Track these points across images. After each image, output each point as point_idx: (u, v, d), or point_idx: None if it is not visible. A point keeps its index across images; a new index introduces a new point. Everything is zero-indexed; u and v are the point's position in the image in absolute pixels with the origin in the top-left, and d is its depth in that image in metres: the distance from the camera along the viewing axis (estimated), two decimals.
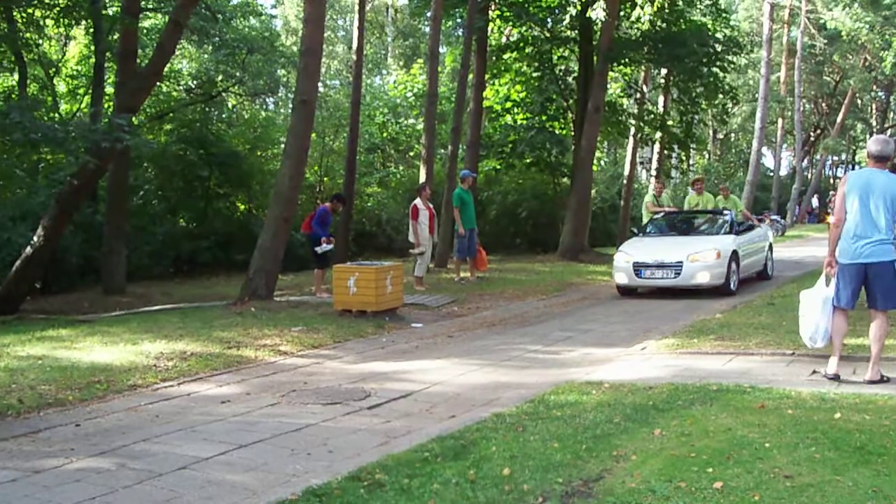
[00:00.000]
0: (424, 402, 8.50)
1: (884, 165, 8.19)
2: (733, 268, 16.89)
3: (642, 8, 19.19)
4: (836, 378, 8.09)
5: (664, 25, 26.83)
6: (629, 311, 15.23)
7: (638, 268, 16.78)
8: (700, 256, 16.51)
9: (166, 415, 8.19)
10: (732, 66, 31.47)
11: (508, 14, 28.19)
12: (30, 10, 20.44)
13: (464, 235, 19.38)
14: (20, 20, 20.60)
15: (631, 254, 17.15)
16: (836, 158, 67.40)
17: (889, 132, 61.24)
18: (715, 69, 28.03)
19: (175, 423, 7.86)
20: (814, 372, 8.44)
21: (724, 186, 21.27)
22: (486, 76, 28.47)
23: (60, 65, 24.82)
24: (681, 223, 19.51)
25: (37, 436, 7.56)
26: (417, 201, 18.74)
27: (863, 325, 8.23)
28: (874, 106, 64.31)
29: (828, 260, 8.39)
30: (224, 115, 28.51)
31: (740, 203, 20.19)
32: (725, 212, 18.99)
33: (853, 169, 50.42)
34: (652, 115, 31.68)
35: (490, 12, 27.36)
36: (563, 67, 30.85)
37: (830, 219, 8.96)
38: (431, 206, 19.21)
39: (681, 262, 16.48)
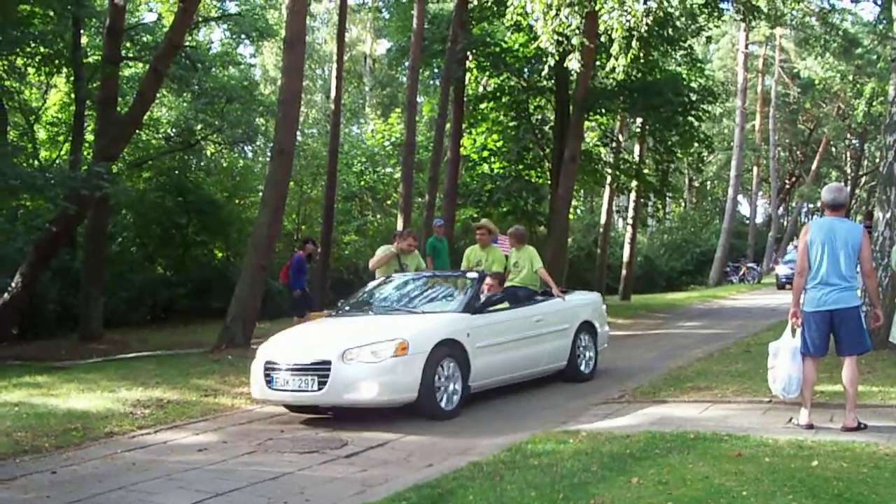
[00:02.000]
0: (401, 451, 8.49)
1: (840, 213, 8.31)
2: (448, 371, 10.14)
3: (616, 59, 19.31)
4: (809, 427, 8.13)
5: (639, 75, 27.09)
6: (606, 358, 15.20)
7: (270, 371, 10.08)
8: (362, 353, 9.67)
9: (143, 463, 8.16)
10: (707, 114, 31.79)
11: (486, 64, 28.38)
12: (11, 58, 20.52)
13: None
14: (2, 68, 20.64)
15: (268, 349, 10.54)
16: (811, 206, 67.88)
17: (863, 179, 61.89)
18: (690, 118, 28.25)
19: (151, 471, 7.83)
20: (790, 420, 8.48)
21: (507, 235, 14.01)
22: (464, 125, 28.60)
23: (41, 112, 24.82)
24: (406, 292, 12.46)
25: (12, 483, 7.52)
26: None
27: (838, 371, 8.29)
28: (848, 153, 64.97)
29: (792, 311, 8.43)
30: (202, 163, 28.54)
31: (537, 259, 13.03)
32: (471, 273, 12.32)
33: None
34: (628, 164, 31.91)
35: (468, 62, 27.57)
36: (539, 117, 31.05)
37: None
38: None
39: (328, 362, 9.62)
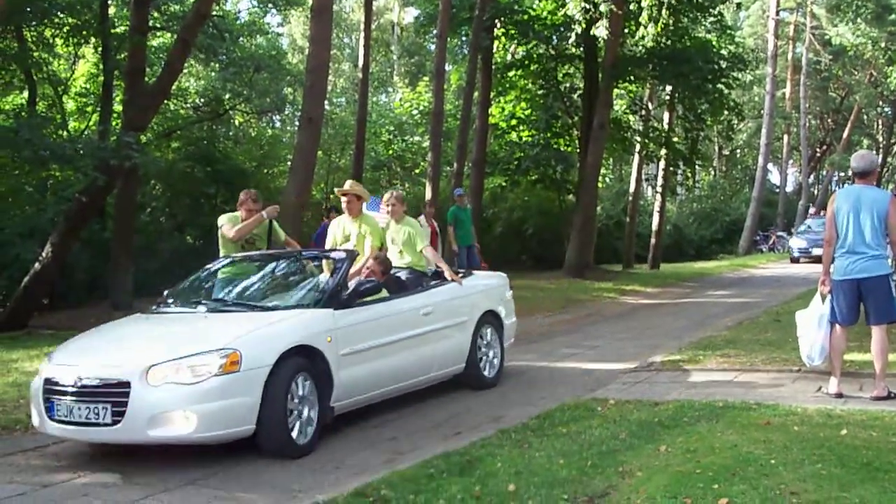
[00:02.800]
0: (429, 419, 8.53)
1: (869, 181, 8.25)
2: (302, 390, 7.52)
3: (645, 27, 19.19)
4: (839, 396, 8.10)
5: (669, 42, 26.89)
6: (635, 326, 15.24)
7: (51, 394, 7.28)
8: (175, 371, 7.04)
9: None
10: (737, 82, 31.58)
11: (514, 32, 28.27)
12: (40, 29, 20.58)
13: (458, 253, 19.38)
14: (30, 39, 20.71)
15: (55, 361, 7.66)
16: (842, 174, 67.13)
17: (895, 147, 61.24)
18: (720, 86, 28.06)
19: None
20: (819, 388, 8.45)
21: (384, 201, 10.79)
22: (492, 94, 28.53)
23: (69, 83, 24.88)
24: (250, 281, 9.46)
25: (45, 450, 7.63)
26: (421, 218, 18.78)
27: (868, 340, 8.24)
28: (880, 121, 64.18)
29: (822, 279, 8.45)
30: (231, 133, 28.58)
31: (420, 235, 10.40)
32: (337, 253, 9.33)
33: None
34: (657, 132, 31.74)
35: (495, 30, 27.46)
36: (568, 85, 30.91)
37: None
38: (435, 223, 19.24)
39: (125, 384, 6.97)
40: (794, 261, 33.28)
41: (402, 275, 10.01)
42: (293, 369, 7.35)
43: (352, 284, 8.66)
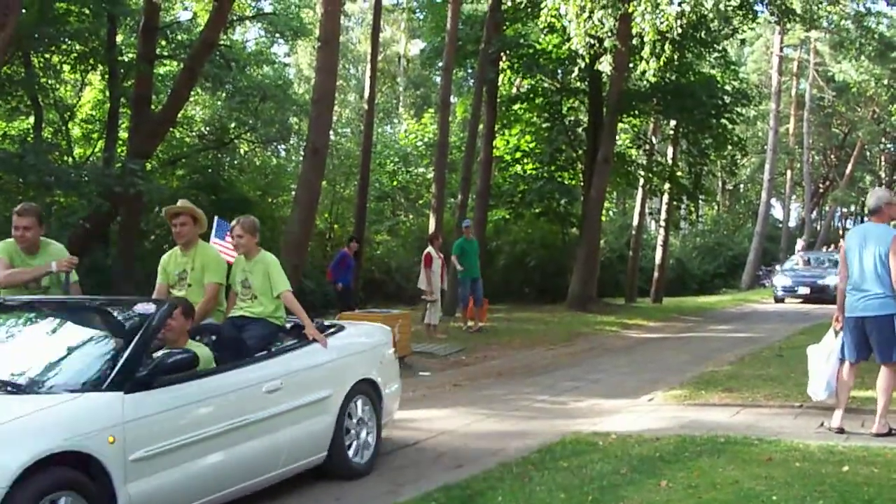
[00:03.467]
0: (431, 451, 8.49)
1: (880, 218, 8.28)
2: None
3: (647, 62, 19.29)
4: (840, 431, 8.10)
5: (673, 77, 27.01)
6: (638, 360, 15.21)
7: None
8: None
9: None
10: (741, 117, 31.67)
11: (519, 65, 28.39)
12: (47, 55, 20.71)
13: (463, 285, 19.44)
14: (38, 65, 20.85)
15: None
16: (844, 210, 67.31)
17: None
18: (724, 121, 28.18)
19: None
20: (822, 424, 8.43)
21: (232, 232, 8.26)
22: (497, 126, 28.60)
23: (75, 109, 25.01)
24: (20, 337, 6.65)
25: None
26: (430, 249, 18.78)
27: (872, 377, 8.24)
28: (883, 157, 64.32)
29: (836, 315, 8.48)
30: (236, 162, 28.67)
31: (279, 275, 7.78)
32: (143, 306, 6.37)
33: (861, 221, 50.65)
34: (661, 166, 31.83)
35: (501, 63, 27.58)
36: (572, 118, 31.01)
37: None
38: (442, 255, 19.28)
39: None
40: (779, 301, 30.76)
41: (249, 332, 7.49)
42: (47, 489, 4.85)
43: (159, 354, 6.01)
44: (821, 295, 27.62)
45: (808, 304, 28.06)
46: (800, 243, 45.56)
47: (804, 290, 29.85)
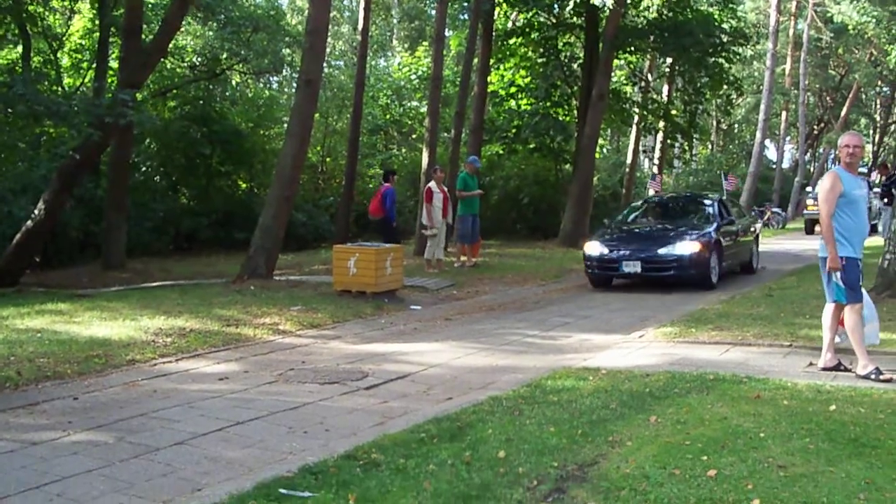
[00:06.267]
0: (421, 384, 8.52)
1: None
2: None
3: None
4: (837, 367, 8.17)
5: (670, 14, 26.79)
6: (628, 299, 15.22)
7: None
8: None
9: (164, 390, 8.21)
10: (738, 56, 31.49)
11: None
12: None
13: (464, 221, 19.38)
14: None
15: None
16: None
17: (893, 127, 61.16)
18: (720, 60, 28.04)
19: (172, 398, 7.89)
20: (810, 364, 8.46)
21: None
22: (492, 61, 28.41)
23: (65, 38, 24.73)
24: None
25: (34, 408, 7.59)
26: (432, 184, 18.76)
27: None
28: (878, 101, 64.09)
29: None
30: (227, 93, 28.48)
31: None
32: None
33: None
34: (656, 104, 31.72)
35: None
36: (568, 54, 30.82)
37: None
38: (446, 189, 19.23)
39: None
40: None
41: None
42: None
43: None
44: None
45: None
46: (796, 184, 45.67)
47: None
